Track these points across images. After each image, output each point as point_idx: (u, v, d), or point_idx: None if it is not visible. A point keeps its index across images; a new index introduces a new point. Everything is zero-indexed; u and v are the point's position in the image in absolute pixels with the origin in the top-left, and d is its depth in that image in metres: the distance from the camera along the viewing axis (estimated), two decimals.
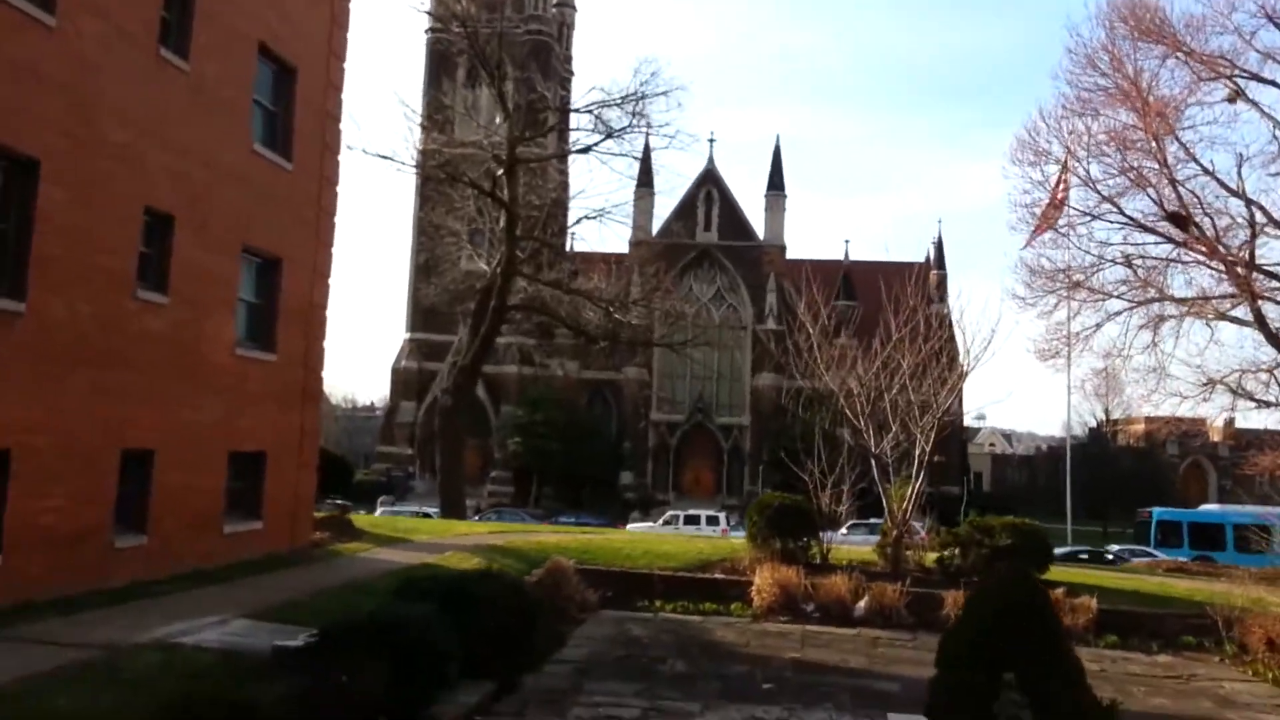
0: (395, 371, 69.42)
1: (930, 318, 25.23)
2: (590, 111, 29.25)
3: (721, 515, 48.91)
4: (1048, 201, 33.95)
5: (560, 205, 35.10)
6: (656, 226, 64.91)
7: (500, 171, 28.90)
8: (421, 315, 65.10)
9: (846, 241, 71.05)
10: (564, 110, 31.40)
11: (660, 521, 48.16)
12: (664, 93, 29.18)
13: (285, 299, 16.82)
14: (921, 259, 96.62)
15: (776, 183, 67.11)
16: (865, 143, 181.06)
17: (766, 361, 66.28)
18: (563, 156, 34.15)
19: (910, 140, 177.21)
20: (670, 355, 65.44)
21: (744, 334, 67.51)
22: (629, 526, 49.59)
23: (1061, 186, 33.62)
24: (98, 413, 12.06)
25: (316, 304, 18.01)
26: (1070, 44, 29.94)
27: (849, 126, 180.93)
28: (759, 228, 68.03)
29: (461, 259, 40.20)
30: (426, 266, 54.31)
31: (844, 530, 46.05)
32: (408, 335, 68.51)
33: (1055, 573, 19.49)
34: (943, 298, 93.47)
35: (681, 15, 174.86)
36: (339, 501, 48.37)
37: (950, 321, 27.23)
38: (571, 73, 73.16)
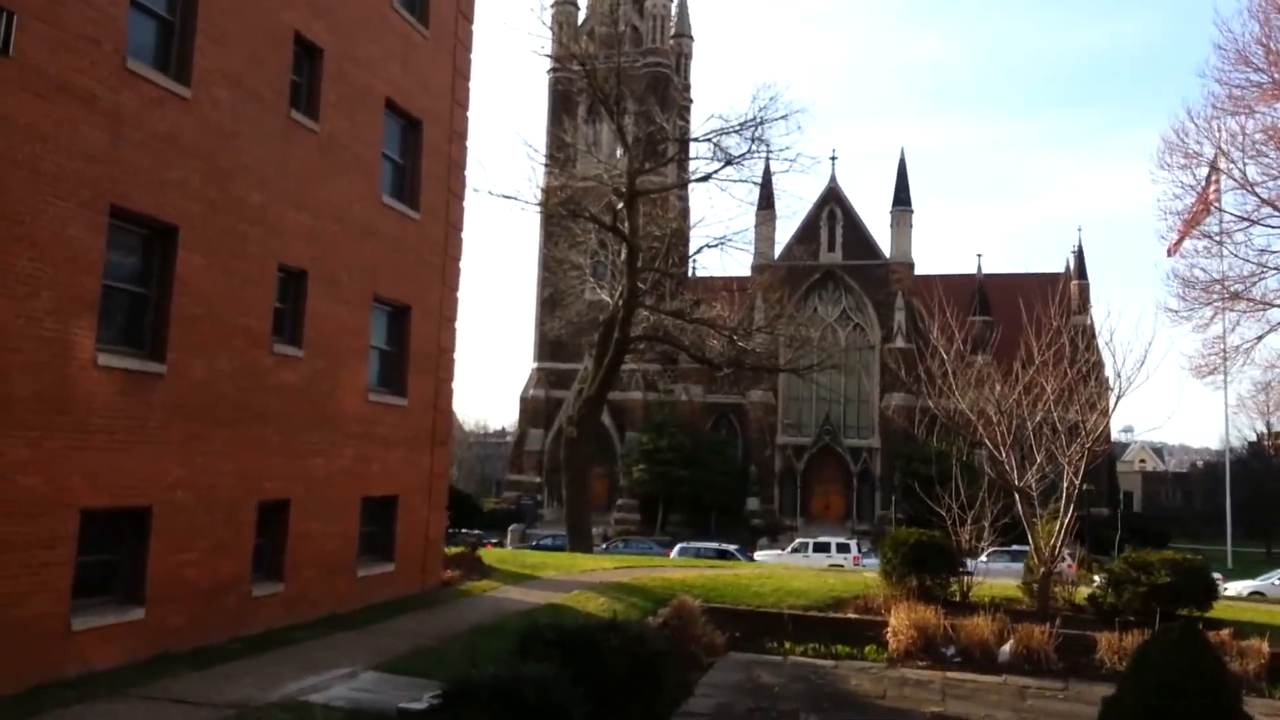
0: (523, 401, 70.81)
1: (1075, 336, 23.88)
2: (709, 140, 29.19)
3: (852, 543, 47.54)
4: (1195, 203, 31.83)
5: (681, 235, 35.08)
6: (779, 248, 64.25)
7: (620, 205, 29.11)
8: (548, 345, 66.28)
9: (979, 255, 68.06)
10: (683, 140, 31.44)
11: (789, 550, 47.20)
12: (783, 117, 28.88)
13: (414, 345, 17.22)
14: (1060, 269, 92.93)
15: (902, 198, 65.45)
16: (993, 149, 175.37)
17: (896, 382, 64.43)
18: (683, 186, 34.06)
19: (1041, 144, 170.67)
20: (796, 378, 64.44)
21: (871, 354, 65.86)
22: (757, 555, 48.77)
23: (1212, 189, 31.44)
24: (236, 466, 12.52)
25: (444, 348, 18.38)
26: (1220, 39, 28.07)
27: (975, 133, 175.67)
28: (885, 245, 66.45)
29: (585, 291, 40.69)
30: (551, 299, 55.30)
31: (984, 558, 43.93)
32: (535, 365, 69.81)
33: (1220, 609, 18.03)
34: (1085, 309, 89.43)
35: (800, 33, 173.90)
36: (470, 533, 49.64)
37: (1096, 337, 25.77)
38: (690, 101, 73.56)
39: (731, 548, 52.10)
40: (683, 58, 73.40)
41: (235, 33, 12.48)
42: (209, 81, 12.01)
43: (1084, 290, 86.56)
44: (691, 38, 74.04)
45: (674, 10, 70.48)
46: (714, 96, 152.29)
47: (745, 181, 31.39)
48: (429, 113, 17.60)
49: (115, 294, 10.87)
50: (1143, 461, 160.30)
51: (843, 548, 46.36)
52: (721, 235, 31.77)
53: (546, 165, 32.32)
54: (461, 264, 19.00)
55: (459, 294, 19.00)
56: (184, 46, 11.75)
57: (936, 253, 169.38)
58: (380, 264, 16.15)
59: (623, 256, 30.32)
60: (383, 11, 16.10)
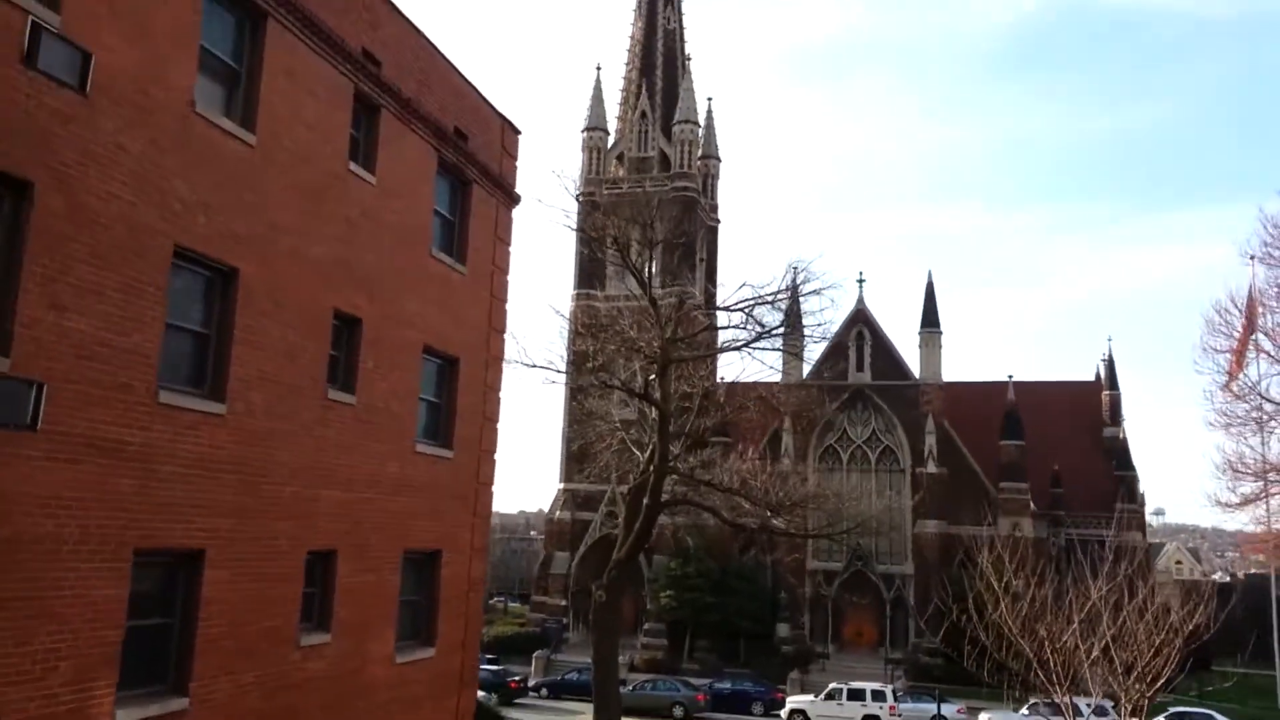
0: (549, 523, 69.91)
1: (1124, 545, 22.97)
2: (742, 309, 28.99)
3: (888, 690, 45.74)
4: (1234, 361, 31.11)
5: (712, 396, 34.67)
6: (806, 366, 63.65)
7: (652, 376, 28.85)
8: (574, 464, 65.58)
9: (1010, 377, 66.92)
10: (715, 308, 31.32)
11: (822, 696, 45.45)
12: (815, 291, 28.62)
13: (445, 591, 16.65)
14: (1089, 374, 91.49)
15: (931, 320, 64.96)
16: (1014, 235, 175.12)
17: (929, 506, 63.18)
18: (714, 355, 33.72)
19: (1055, 230, 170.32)
20: (826, 501, 63.35)
21: (902, 478, 64.64)
22: (789, 701, 46.97)
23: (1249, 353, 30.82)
24: None
25: (474, 581, 17.80)
26: (1263, 218, 27.73)
27: (990, 219, 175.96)
28: (913, 363, 65.78)
29: (611, 407, 40.35)
30: (579, 420, 54.99)
31: (1024, 710, 41.84)
32: (561, 485, 69.05)
33: None
34: (1117, 421, 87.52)
35: (820, 124, 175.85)
36: (493, 668, 48.37)
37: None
38: (718, 221, 74.09)
39: (755, 689, 50.22)
40: (709, 178, 74.15)
41: (273, 331, 12.26)
42: (244, 389, 11.73)
43: (1115, 401, 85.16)
44: (719, 159, 74.91)
45: (701, 134, 71.41)
46: (736, 200, 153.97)
47: (776, 350, 31.02)
48: (466, 347, 17.37)
49: (137, 634, 10.39)
50: (1179, 564, 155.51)
51: (878, 695, 44.60)
52: (751, 398, 31.02)
53: (579, 333, 32.15)
54: (494, 489, 18.57)
55: (490, 520, 18.52)
56: (219, 359, 11.50)
57: (961, 337, 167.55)
58: (413, 513, 15.71)
59: (652, 416, 29.91)
60: (422, 262, 15.96)
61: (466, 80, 17.45)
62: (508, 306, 18.97)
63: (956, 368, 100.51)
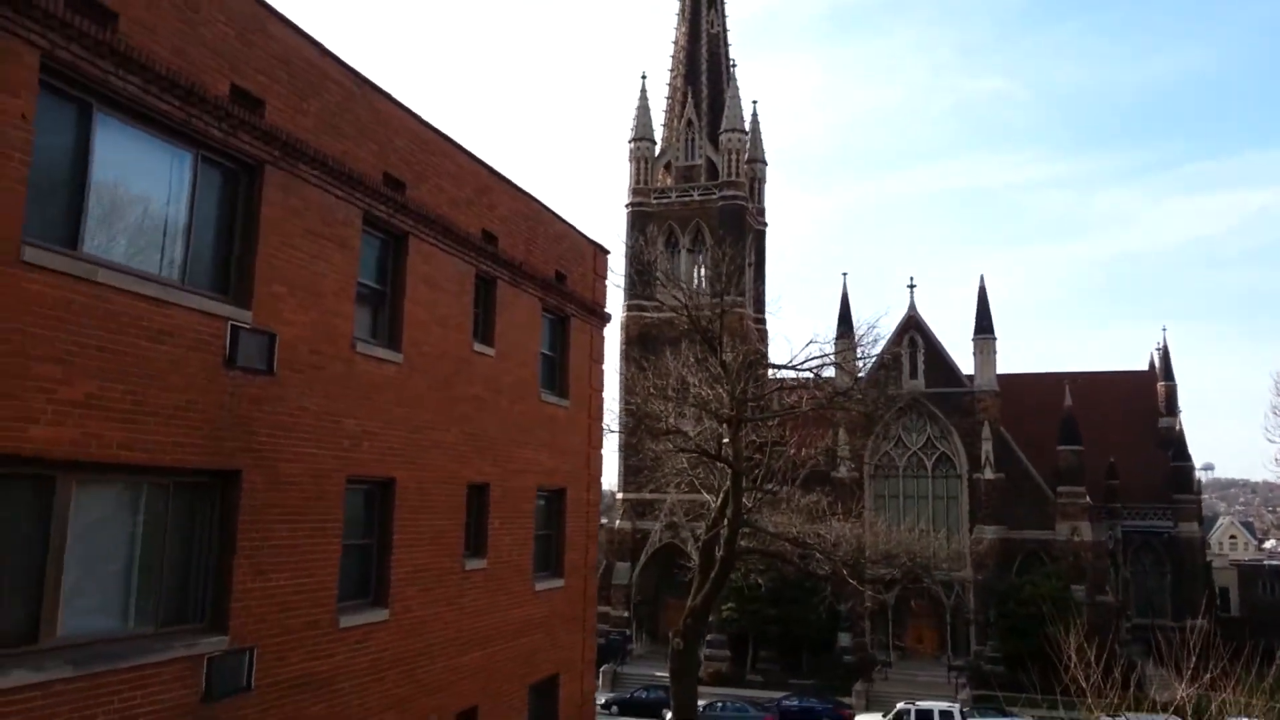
0: (609, 533, 71.19)
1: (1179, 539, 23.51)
2: (811, 371, 29.66)
3: (955, 708, 46.54)
4: None
5: (781, 449, 35.43)
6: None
7: (726, 440, 29.74)
8: (633, 473, 66.77)
9: (1067, 384, 66.77)
10: (779, 365, 32.00)
11: (890, 716, 46.37)
12: (873, 341, 29.40)
13: (563, 708, 17.75)
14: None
15: (984, 325, 64.97)
16: (1055, 186, 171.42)
17: (986, 512, 63.50)
18: (788, 411, 34.49)
19: (1103, 181, 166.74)
20: (882, 510, 64.01)
21: (959, 484, 64.97)
22: None
23: None
24: None
25: (587, 693, 18.88)
26: None
27: (1035, 170, 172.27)
28: (966, 367, 65.91)
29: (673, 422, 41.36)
30: (634, 429, 56.14)
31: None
32: (620, 495, 70.27)
33: None
34: (1174, 412, 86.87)
35: (856, 83, 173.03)
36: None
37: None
38: (765, 225, 74.38)
39: (821, 706, 51.13)
40: (756, 182, 74.41)
41: (423, 523, 13.27)
42: (402, 588, 12.77)
43: (1171, 392, 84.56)
44: (764, 161, 75.10)
45: (747, 140, 71.57)
46: (781, 182, 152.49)
47: (835, 364, 32.01)
48: (571, 476, 18.33)
49: None
50: (1233, 539, 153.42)
51: (946, 716, 45.39)
52: (819, 450, 31.82)
53: (651, 394, 32.97)
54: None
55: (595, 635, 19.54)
56: (381, 566, 12.54)
57: (1006, 294, 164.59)
58: (534, 649, 16.77)
59: (727, 480, 30.73)
60: (533, 410, 16.90)
61: (564, 221, 18.27)
62: (604, 425, 19.87)
63: (1006, 341, 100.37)
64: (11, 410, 7.64)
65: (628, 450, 65.34)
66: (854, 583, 33.82)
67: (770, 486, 34.31)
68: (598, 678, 58.79)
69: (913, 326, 66.07)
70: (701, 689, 54.65)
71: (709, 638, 64.36)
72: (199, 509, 9.78)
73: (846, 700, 53.92)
